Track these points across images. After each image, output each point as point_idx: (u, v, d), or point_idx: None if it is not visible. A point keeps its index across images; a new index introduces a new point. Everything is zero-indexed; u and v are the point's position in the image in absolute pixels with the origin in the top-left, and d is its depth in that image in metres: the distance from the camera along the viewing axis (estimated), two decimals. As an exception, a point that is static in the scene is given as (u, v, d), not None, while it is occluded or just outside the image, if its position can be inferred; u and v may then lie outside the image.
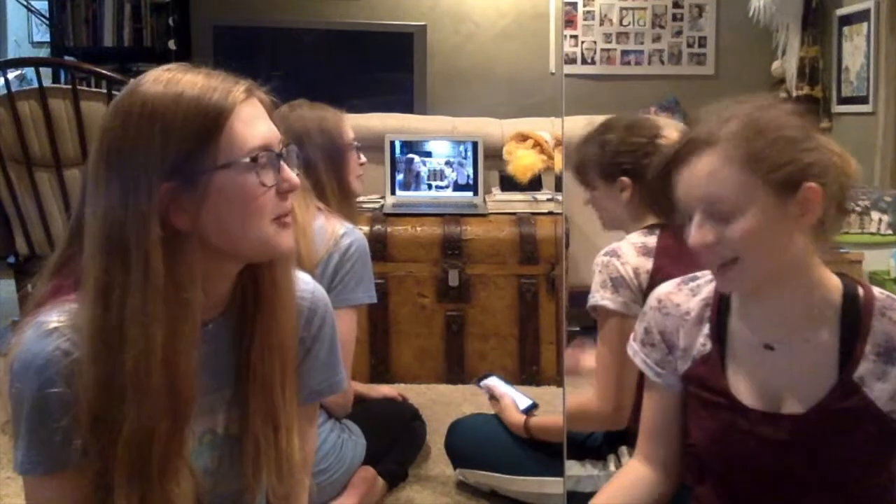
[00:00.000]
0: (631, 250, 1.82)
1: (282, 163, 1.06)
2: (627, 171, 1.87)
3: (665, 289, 1.38)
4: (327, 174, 2.06)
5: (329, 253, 1.95)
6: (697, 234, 1.19)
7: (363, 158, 2.20)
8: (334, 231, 1.98)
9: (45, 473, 1.03)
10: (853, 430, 1.22)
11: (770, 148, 1.17)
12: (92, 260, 1.00)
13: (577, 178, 1.98)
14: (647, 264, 1.79)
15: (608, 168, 1.89)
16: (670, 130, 1.84)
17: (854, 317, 1.23)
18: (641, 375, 1.44)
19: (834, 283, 1.25)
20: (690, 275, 1.38)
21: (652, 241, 1.82)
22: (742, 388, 1.27)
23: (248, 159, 1.02)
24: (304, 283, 1.23)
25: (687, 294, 1.35)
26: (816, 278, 1.24)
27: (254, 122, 1.04)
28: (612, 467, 1.88)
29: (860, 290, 1.25)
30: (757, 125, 1.18)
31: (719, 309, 1.31)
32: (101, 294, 0.99)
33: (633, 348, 1.41)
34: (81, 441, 0.99)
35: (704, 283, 1.35)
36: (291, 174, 1.07)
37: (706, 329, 1.31)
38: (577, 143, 1.98)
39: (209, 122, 1.00)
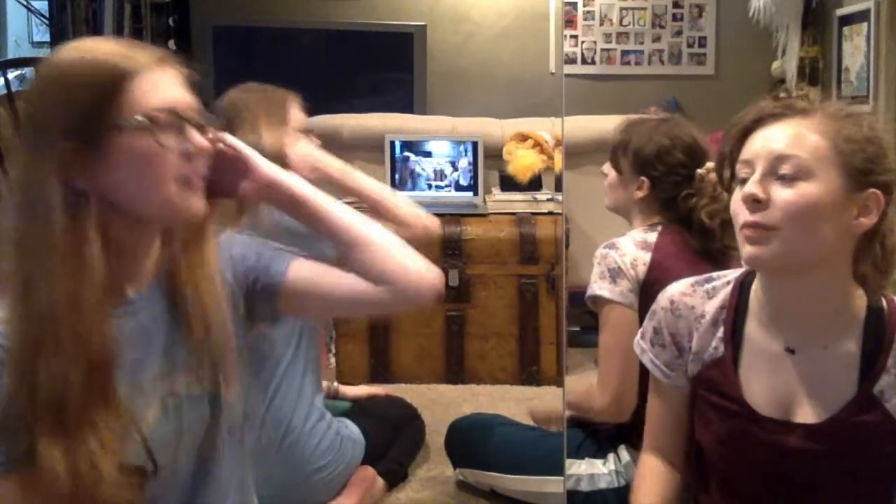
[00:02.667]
0: (630, 244, 1.86)
1: (188, 126, 1.07)
2: (654, 176, 1.90)
3: (678, 289, 1.36)
4: None
5: None
6: (755, 185, 1.17)
7: (316, 141, 2.05)
8: None
9: (5, 472, 1.03)
10: (870, 444, 1.20)
11: (860, 138, 1.18)
12: (9, 216, 1.04)
13: (611, 155, 2.00)
14: (645, 257, 1.83)
15: (641, 163, 1.92)
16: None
17: (878, 329, 1.22)
18: (645, 374, 1.43)
19: (860, 294, 1.24)
20: (705, 276, 1.36)
21: (652, 237, 1.86)
22: (755, 394, 1.25)
23: (142, 118, 1.02)
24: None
25: (702, 296, 1.33)
26: (846, 288, 1.22)
27: (160, 86, 1.05)
28: (612, 466, 1.89)
29: (884, 303, 1.24)
30: (858, 118, 1.20)
31: (736, 312, 1.29)
32: (13, 250, 1.03)
33: (642, 347, 1.39)
34: (24, 426, 1.00)
35: (721, 286, 1.33)
36: (199, 137, 1.07)
37: (720, 332, 1.29)
38: (629, 122, 2.00)
39: (109, 83, 1.02)
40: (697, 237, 1.82)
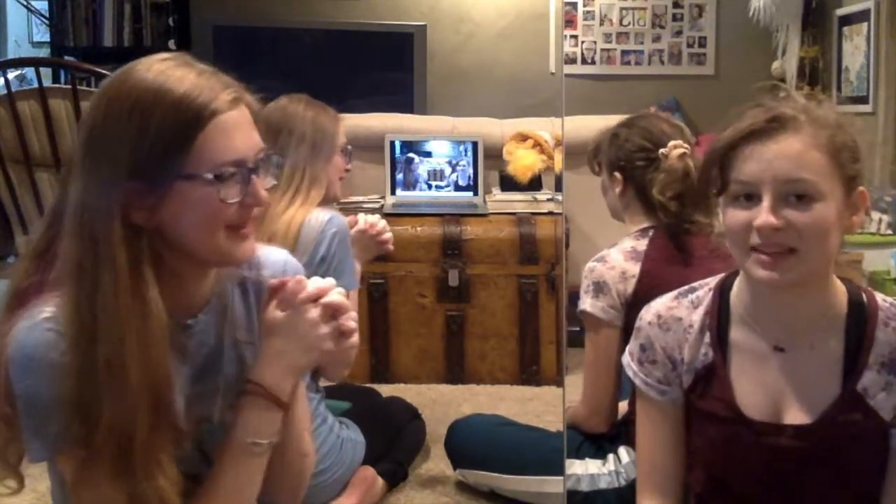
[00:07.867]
0: (619, 255, 1.87)
1: (253, 177, 1.05)
2: (622, 168, 1.93)
3: (663, 303, 1.34)
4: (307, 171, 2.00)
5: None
6: (769, 215, 1.15)
7: (349, 165, 2.13)
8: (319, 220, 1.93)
9: (68, 451, 1.02)
10: (858, 441, 1.21)
11: (851, 144, 1.19)
12: (67, 243, 1.02)
13: (588, 161, 2.05)
14: (635, 269, 1.83)
15: (611, 160, 1.96)
16: (680, 140, 1.87)
17: (859, 326, 1.22)
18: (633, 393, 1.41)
19: (841, 289, 1.24)
20: (686, 287, 1.35)
21: (642, 244, 1.87)
22: (745, 396, 1.25)
23: (211, 176, 1.01)
24: (275, 258, 1.22)
25: (688, 307, 1.32)
26: (831, 283, 1.23)
27: (233, 133, 1.03)
28: (611, 466, 1.89)
29: (864, 298, 1.24)
30: (837, 120, 1.20)
31: (719, 317, 1.29)
32: (75, 277, 1.01)
33: (633, 368, 1.36)
34: (68, 423, 0.99)
35: (704, 294, 1.32)
36: (260, 190, 1.06)
37: (707, 338, 1.29)
38: (601, 132, 2.03)
39: (184, 129, 1.00)
40: (662, 214, 1.82)
